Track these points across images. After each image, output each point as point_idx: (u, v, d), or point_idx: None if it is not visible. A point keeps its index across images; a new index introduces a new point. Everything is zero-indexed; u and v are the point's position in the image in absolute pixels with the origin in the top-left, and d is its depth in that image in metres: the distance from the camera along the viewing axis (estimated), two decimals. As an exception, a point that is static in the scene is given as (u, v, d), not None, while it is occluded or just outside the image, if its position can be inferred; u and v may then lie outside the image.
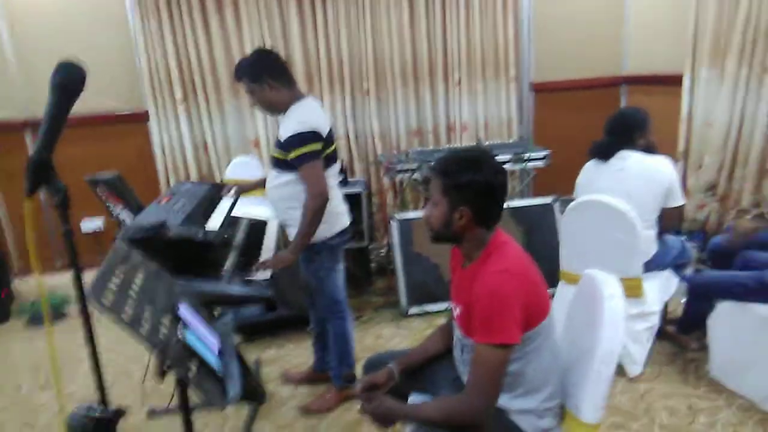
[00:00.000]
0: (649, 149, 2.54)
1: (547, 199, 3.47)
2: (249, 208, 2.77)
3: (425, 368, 1.73)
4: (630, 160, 2.49)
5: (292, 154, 2.11)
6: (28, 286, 4.04)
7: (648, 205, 2.46)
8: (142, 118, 4.00)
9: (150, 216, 2.03)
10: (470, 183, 1.44)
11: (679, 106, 3.65)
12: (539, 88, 4.31)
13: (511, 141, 4.06)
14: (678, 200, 2.49)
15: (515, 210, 3.40)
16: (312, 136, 2.11)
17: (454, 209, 1.45)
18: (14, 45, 3.83)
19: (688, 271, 2.90)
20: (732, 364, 2.41)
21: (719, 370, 2.47)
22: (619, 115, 2.63)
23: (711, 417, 2.26)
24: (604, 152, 2.55)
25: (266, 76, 2.17)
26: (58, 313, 3.60)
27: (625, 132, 2.53)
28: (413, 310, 3.29)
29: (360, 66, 3.99)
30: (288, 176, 2.19)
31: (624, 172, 2.48)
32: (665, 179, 2.44)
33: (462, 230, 1.48)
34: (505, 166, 3.27)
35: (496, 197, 1.48)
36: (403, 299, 3.30)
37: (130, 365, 2.97)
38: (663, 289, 2.61)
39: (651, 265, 2.54)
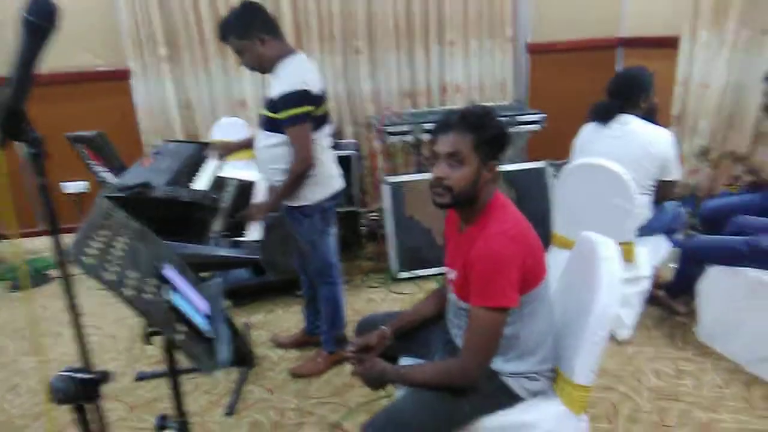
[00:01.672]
0: (651, 113, 2.50)
1: (540, 163, 3.43)
2: (236, 170, 2.70)
3: (417, 331, 1.72)
4: (631, 125, 2.45)
5: (282, 115, 2.03)
6: (9, 248, 3.96)
7: (645, 172, 2.44)
8: (123, 75, 3.85)
9: (133, 176, 1.96)
10: (502, 135, 1.43)
11: (675, 70, 3.59)
12: (535, 49, 4.20)
13: (506, 103, 3.99)
14: (673, 174, 2.48)
15: (507, 174, 3.36)
16: (303, 95, 2.03)
17: (485, 165, 1.41)
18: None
19: (680, 236, 2.90)
20: (720, 327, 2.43)
21: (707, 333, 2.50)
22: (624, 76, 2.57)
23: (697, 379, 2.29)
24: (606, 114, 2.50)
25: (256, 29, 2.05)
26: (42, 276, 3.54)
27: (629, 93, 2.47)
28: (404, 274, 3.27)
29: (352, 24, 3.85)
30: (278, 137, 2.11)
31: (623, 138, 2.44)
32: (664, 151, 2.42)
33: (482, 188, 1.43)
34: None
35: (505, 148, 1.48)
36: (394, 264, 3.28)
37: (115, 329, 2.93)
38: (654, 254, 2.61)
39: (644, 230, 2.54)
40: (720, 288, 2.39)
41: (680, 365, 2.38)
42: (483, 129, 1.39)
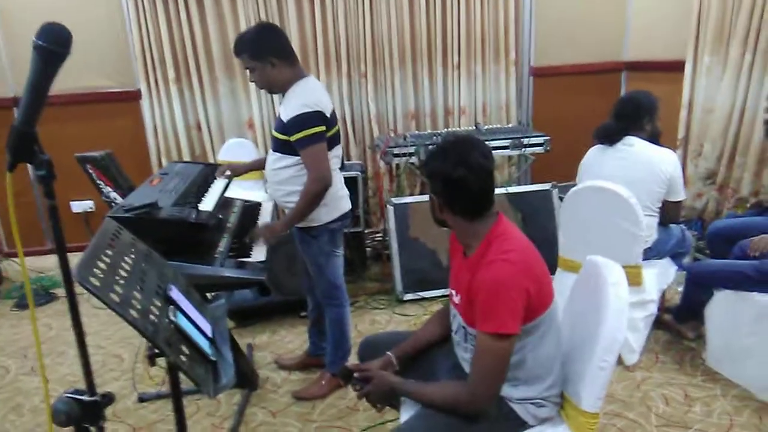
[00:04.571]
0: (654, 135, 2.52)
1: (545, 185, 3.44)
2: (242, 191, 2.72)
3: (423, 355, 1.70)
4: (635, 147, 2.46)
5: (295, 137, 2.04)
6: (17, 267, 3.98)
7: (650, 194, 2.44)
8: (134, 96, 3.91)
9: (141, 196, 1.97)
10: (431, 173, 1.45)
11: (680, 93, 3.61)
12: (539, 73, 4.24)
13: (509, 125, 4.01)
14: (679, 195, 2.49)
15: (513, 196, 3.36)
16: (315, 117, 2.04)
17: (433, 197, 1.47)
18: (2, 22, 3.73)
19: (687, 260, 2.88)
20: (729, 353, 2.39)
21: (716, 359, 2.46)
22: (630, 99, 2.58)
23: (707, 406, 2.25)
24: (611, 136, 2.52)
25: (269, 53, 2.07)
26: (48, 294, 3.55)
27: (634, 116, 2.49)
28: (409, 295, 3.26)
29: (357, 47, 3.91)
30: (289, 159, 2.12)
31: (629, 160, 2.45)
32: (669, 172, 2.42)
33: (443, 217, 1.49)
34: (503, 152, 3.22)
35: (463, 190, 1.41)
36: (399, 285, 3.27)
37: (120, 349, 2.93)
38: (661, 278, 2.59)
39: (650, 253, 2.52)
40: (728, 313, 2.36)
41: (689, 391, 2.35)
42: (425, 163, 1.51)
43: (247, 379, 2.47)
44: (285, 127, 2.07)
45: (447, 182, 1.41)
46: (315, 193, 2.08)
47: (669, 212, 2.54)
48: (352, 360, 2.39)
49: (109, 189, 2.31)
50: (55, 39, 1.02)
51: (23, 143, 1.02)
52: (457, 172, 1.38)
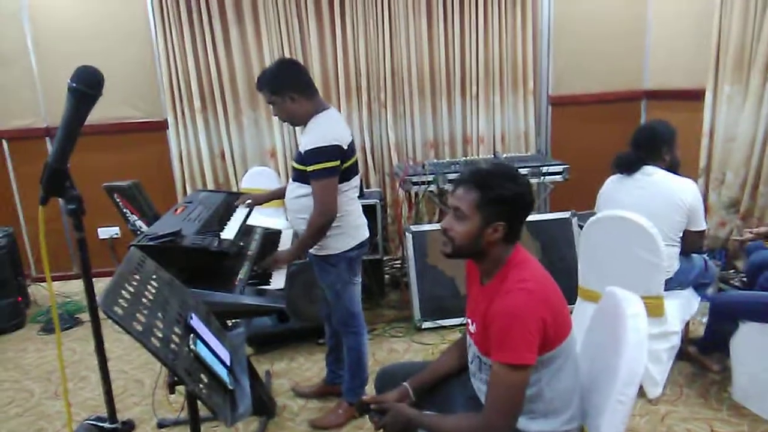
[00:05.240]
0: (674, 165, 2.50)
1: (564, 214, 3.42)
2: (263, 219, 2.77)
3: (439, 386, 1.69)
4: (655, 176, 2.45)
5: (310, 168, 2.10)
6: (44, 292, 4.08)
7: (671, 224, 2.41)
8: (161, 126, 4.04)
9: (165, 225, 2.03)
10: (512, 197, 1.40)
11: (701, 122, 3.59)
12: (557, 102, 4.27)
13: (528, 154, 4.02)
14: (700, 225, 2.46)
15: (532, 224, 3.35)
16: (332, 151, 2.09)
17: (488, 224, 1.41)
18: (37, 55, 3.91)
19: (710, 291, 2.82)
20: (756, 387, 2.32)
21: (742, 393, 2.39)
22: (648, 128, 2.58)
23: (735, 442, 2.18)
24: (629, 165, 2.51)
25: (288, 89, 2.14)
26: (73, 319, 3.62)
27: (653, 146, 2.48)
28: (427, 324, 3.24)
29: (377, 78, 3.99)
30: (307, 188, 2.16)
31: (647, 189, 2.44)
32: (689, 202, 2.40)
33: (489, 246, 1.44)
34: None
35: (528, 212, 1.46)
36: (417, 313, 3.26)
37: (141, 374, 2.96)
38: (684, 309, 2.54)
39: (672, 284, 2.48)
40: (754, 345, 2.30)
41: (715, 426, 2.28)
42: (488, 188, 1.40)
43: (264, 407, 2.47)
44: (302, 158, 2.12)
45: (524, 205, 1.43)
46: (319, 226, 2.11)
47: (691, 242, 2.50)
48: (369, 390, 2.39)
49: (135, 217, 2.38)
50: (89, 82, 1.08)
51: (56, 180, 1.08)
52: (532, 194, 1.45)
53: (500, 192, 1.39)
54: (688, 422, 2.31)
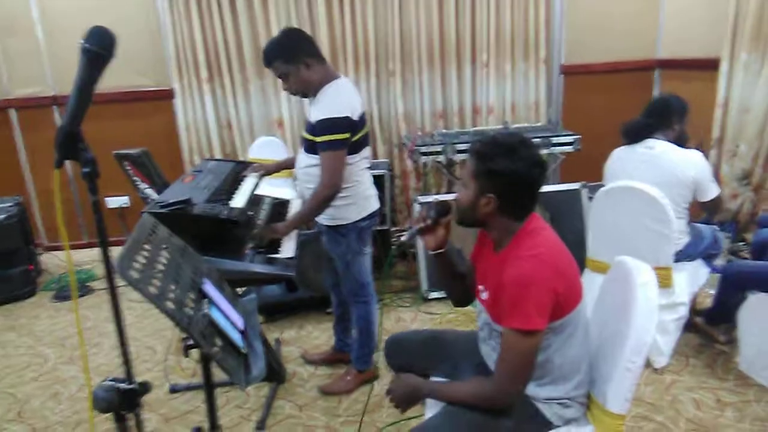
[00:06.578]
0: (681, 139, 2.50)
1: (574, 185, 3.40)
2: (272, 189, 2.76)
3: (447, 354, 1.72)
4: (657, 149, 2.44)
5: (319, 139, 2.07)
6: (55, 260, 4.12)
7: (677, 196, 2.40)
8: (167, 95, 4.01)
9: (175, 193, 2.03)
10: (501, 171, 1.37)
11: (714, 92, 3.52)
12: (569, 71, 4.19)
13: (539, 124, 3.97)
14: (711, 193, 2.44)
15: (541, 195, 3.30)
16: (342, 123, 2.05)
17: (482, 195, 1.41)
18: (43, 24, 3.87)
19: (719, 262, 2.82)
20: (763, 358, 2.34)
21: (749, 363, 2.41)
22: (662, 99, 2.58)
23: (739, 411, 2.20)
24: (637, 133, 2.50)
25: (302, 54, 2.09)
26: (83, 287, 3.67)
27: (664, 114, 2.48)
28: (434, 294, 3.27)
29: (386, 46, 3.93)
30: (317, 159, 2.15)
31: (651, 162, 2.43)
32: (691, 176, 2.38)
33: (486, 217, 1.44)
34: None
35: (528, 191, 1.42)
36: (424, 283, 3.28)
37: (153, 341, 3.01)
38: (692, 280, 2.54)
39: (681, 255, 2.48)
40: (762, 316, 2.31)
41: (721, 396, 2.30)
42: (486, 159, 1.39)
43: (275, 373, 2.52)
44: (313, 129, 2.10)
45: (518, 182, 1.39)
46: (324, 198, 2.10)
47: (708, 210, 2.52)
48: (378, 359, 2.42)
49: (145, 185, 2.38)
50: (102, 42, 1.07)
51: (70, 142, 1.07)
52: (533, 173, 1.39)
53: (491, 166, 1.38)
54: (693, 391, 2.34)
